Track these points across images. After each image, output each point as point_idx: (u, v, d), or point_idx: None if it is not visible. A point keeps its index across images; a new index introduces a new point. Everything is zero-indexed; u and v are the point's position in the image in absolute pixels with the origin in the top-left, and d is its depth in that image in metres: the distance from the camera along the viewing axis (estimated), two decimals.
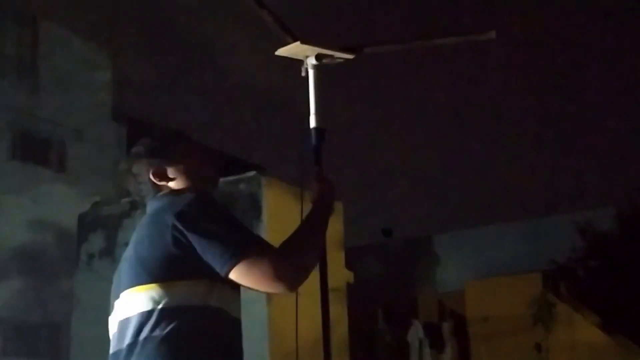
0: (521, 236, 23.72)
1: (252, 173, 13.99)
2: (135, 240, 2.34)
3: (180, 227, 2.19)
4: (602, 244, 20.90)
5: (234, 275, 2.18)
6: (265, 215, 13.43)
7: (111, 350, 2.29)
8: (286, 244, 2.25)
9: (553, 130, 49.10)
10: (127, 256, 2.34)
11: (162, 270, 2.20)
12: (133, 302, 2.23)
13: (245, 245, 2.19)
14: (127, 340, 2.22)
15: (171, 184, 2.42)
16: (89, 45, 19.11)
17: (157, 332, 2.17)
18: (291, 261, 2.20)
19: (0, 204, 16.17)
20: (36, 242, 16.57)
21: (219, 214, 2.25)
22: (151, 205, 2.43)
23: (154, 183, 2.42)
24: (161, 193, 2.43)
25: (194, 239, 2.18)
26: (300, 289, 2.35)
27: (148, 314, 2.19)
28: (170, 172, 2.42)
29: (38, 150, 17.63)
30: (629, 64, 46.75)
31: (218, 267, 2.17)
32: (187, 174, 2.42)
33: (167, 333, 2.17)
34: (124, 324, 2.25)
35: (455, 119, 50.27)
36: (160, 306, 2.19)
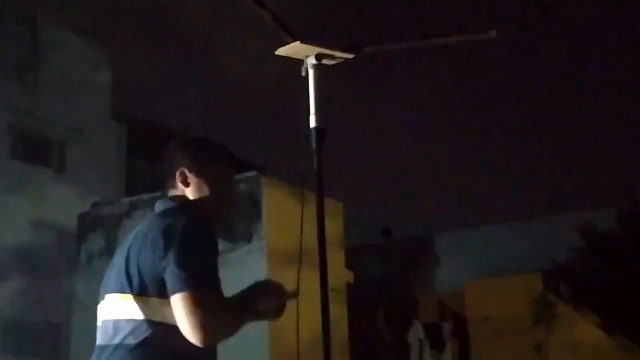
0: (521, 236, 23.76)
1: (252, 173, 13.96)
2: (134, 243, 2.40)
3: (161, 243, 2.30)
4: (603, 244, 20.93)
5: (174, 300, 2.24)
6: (265, 215, 13.42)
7: (98, 342, 2.42)
8: (226, 305, 2.28)
9: (553, 130, 49.11)
10: (122, 257, 2.40)
11: (150, 287, 2.31)
12: (118, 307, 2.36)
13: (200, 280, 2.24)
14: (107, 341, 2.35)
15: (187, 191, 2.51)
16: (89, 45, 19.12)
17: (129, 340, 2.31)
18: (218, 321, 2.23)
19: (0, 203, 16.19)
20: (36, 242, 16.59)
21: (200, 242, 2.31)
22: (159, 206, 2.51)
23: (175, 180, 2.52)
24: (172, 194, 2.54)
25: (169, 256, 2.27)
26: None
27: (126, 323, 2.32)
28: (191, 180, 2.51)
29: (38, 150, 17.65)
30: (629, 63, 46.76)
31: (170, 287, 2.25)
32: (204, 191, 2.50)
33: (139, 343, 2.30)
34: (107, 324, 2.38)
35: (455, 119, 50.30)
36: (140, 318, 2.31)
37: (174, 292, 2.23)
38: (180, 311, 2.21)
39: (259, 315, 2.43)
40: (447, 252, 25.16)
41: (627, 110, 46.48)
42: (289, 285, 2.52)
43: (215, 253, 2.36)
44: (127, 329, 2.31)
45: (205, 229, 2.36)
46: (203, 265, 2.28)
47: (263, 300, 2.40)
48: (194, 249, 2.28)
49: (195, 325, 2.19)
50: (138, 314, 2.30)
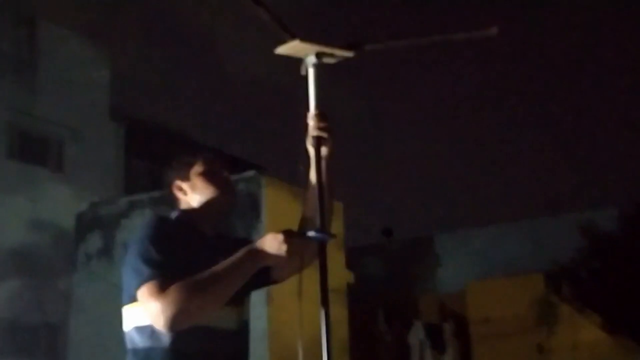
0: (523, 236, 23.74)
1: (251, 172, 13.95)
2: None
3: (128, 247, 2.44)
4: (605, 245, 20.91)
5: (138, 295, 2.29)
6: (265, 215, 13.40)
7: None
8: (190, 284, 2.24)
9: (555, 129, 49.17)
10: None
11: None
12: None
13: (158, 272, 2.27)
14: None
15: (187, 199, 2.64)
16: (87, 44, 19.22)
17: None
18: (178, 307, 2.20)
19: None
20: (34, 242, 16.66)
21: (158, 235, 2.37)
22: None
23: (173, 194, 2.67)
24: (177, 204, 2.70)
25: (128, 256, 2.38)
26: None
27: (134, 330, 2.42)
28: (185, 187, 2.64)
29: (36, 150, 17.74)
30: (630, 63, 46.80)
31: (133, 283, 2.32)
32: (197, 192, 2.62)
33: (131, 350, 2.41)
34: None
35: (455, 119, 50.36)
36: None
37: (136, 288, 2.28)
38: (142, 304, 2.27)
39: (258, 259, 2.36)
40: (449, 252, 25.13)
41: (629, 110, 46.52)
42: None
43: (185, 244, 2.38)
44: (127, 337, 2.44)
45: (167, 225, 2.44)
46: (158, 255, 2.30)
47: (260, 242, 2.38)
48: (149, 243, 2.33)
49: (153, 314, 2.22)
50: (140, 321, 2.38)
